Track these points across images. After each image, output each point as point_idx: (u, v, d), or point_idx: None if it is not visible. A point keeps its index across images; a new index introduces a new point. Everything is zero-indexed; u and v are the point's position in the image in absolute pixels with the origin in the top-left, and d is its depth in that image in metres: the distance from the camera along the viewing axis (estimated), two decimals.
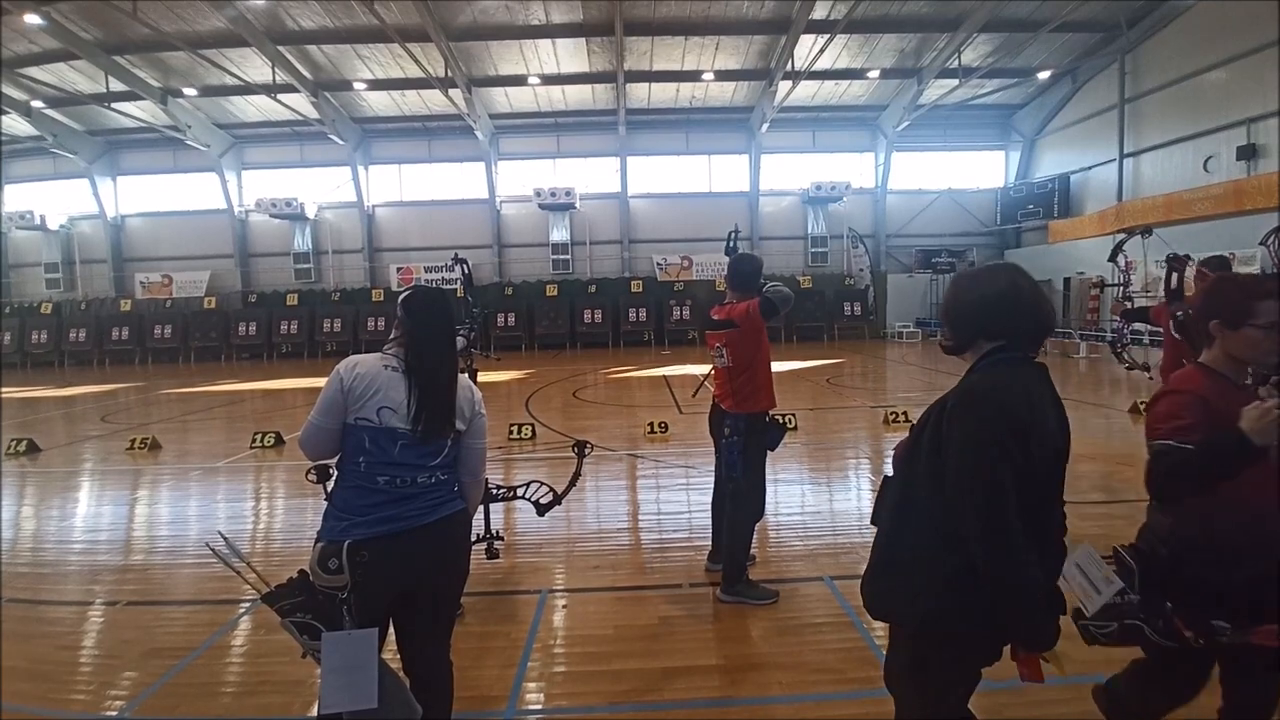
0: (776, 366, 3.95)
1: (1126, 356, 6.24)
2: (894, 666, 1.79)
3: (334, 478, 2.06)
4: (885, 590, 1.71)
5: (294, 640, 1.87)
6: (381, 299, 23.01)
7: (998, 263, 1.80)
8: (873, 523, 1.77)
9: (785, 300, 3.47)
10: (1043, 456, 1.51)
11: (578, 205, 23.51)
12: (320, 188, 24.39)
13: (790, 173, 24.44)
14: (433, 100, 21.24)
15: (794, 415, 8.18)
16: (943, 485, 1.55)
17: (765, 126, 22.54)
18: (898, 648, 1.77)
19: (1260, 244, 3.75)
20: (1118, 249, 6.01)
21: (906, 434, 1.74)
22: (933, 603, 1.58)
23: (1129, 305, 5.71)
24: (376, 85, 20.77)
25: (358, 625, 1.85)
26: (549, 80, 20.80)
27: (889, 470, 1.77)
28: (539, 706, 2.77)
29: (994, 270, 1.69)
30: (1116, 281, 6.38)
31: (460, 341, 2.84)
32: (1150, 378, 3.99)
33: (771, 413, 3.75)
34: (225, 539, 1.94)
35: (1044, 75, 20.51)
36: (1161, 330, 4.20)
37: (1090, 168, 20.99)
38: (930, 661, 1.66)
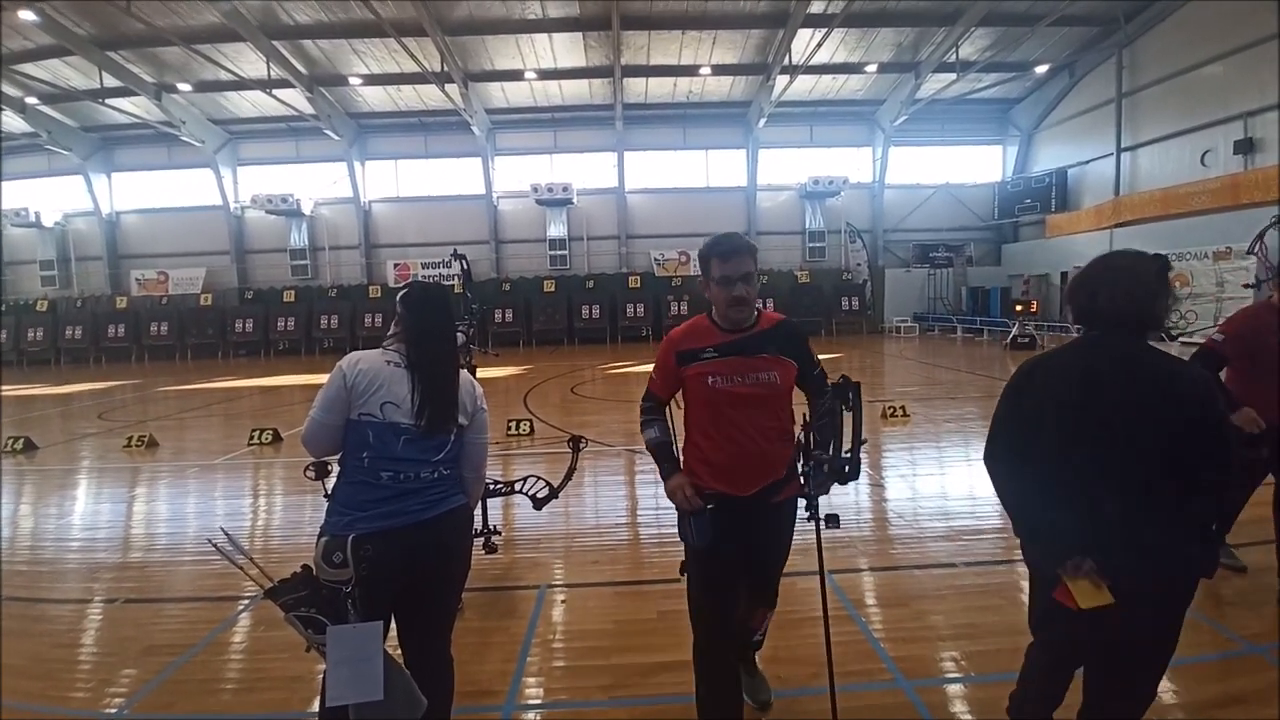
0: None
1: None
2: None
3: (333, 474, 2.06)
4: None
5: (295, 635, 1.87)
6: (379, 295, 22.99)
7: (1114, 251, 1.84)
8: None
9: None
10: (1084, 423, 1.71)
11: (575, 201, 23.45)
12: (316, 184, 24.28)
13: (788, 167, 24.40)
14: (429, 95, 21.14)
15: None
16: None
17: (763, 121, 22.49)
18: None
19: (1248, 253, 3.71)
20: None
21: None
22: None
23: None
24: (372, 80, 20.66)
25: (362, 618, 1.86)
26: (546, 75, 20.71)
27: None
28: (538, 700, 2.78)
29: (1096, 260, 1.82)
30: None
31: (459, 337, 2.84)
32: None
33: None
34: (228, 535, 1.94)
35: (1041, 69, 20.46)
36: None
37: (1087, 162, 20.99)
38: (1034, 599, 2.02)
